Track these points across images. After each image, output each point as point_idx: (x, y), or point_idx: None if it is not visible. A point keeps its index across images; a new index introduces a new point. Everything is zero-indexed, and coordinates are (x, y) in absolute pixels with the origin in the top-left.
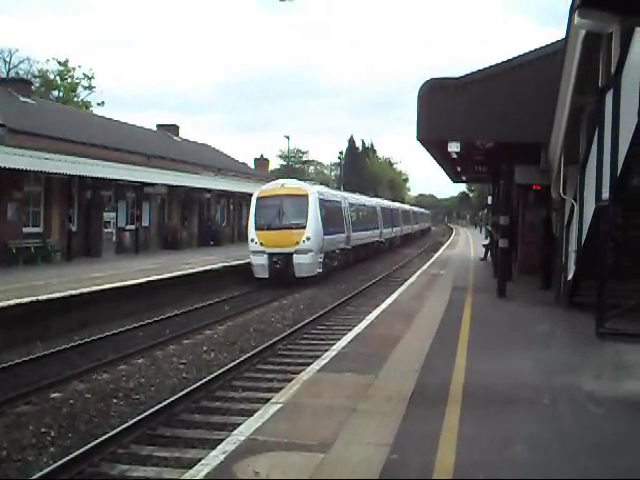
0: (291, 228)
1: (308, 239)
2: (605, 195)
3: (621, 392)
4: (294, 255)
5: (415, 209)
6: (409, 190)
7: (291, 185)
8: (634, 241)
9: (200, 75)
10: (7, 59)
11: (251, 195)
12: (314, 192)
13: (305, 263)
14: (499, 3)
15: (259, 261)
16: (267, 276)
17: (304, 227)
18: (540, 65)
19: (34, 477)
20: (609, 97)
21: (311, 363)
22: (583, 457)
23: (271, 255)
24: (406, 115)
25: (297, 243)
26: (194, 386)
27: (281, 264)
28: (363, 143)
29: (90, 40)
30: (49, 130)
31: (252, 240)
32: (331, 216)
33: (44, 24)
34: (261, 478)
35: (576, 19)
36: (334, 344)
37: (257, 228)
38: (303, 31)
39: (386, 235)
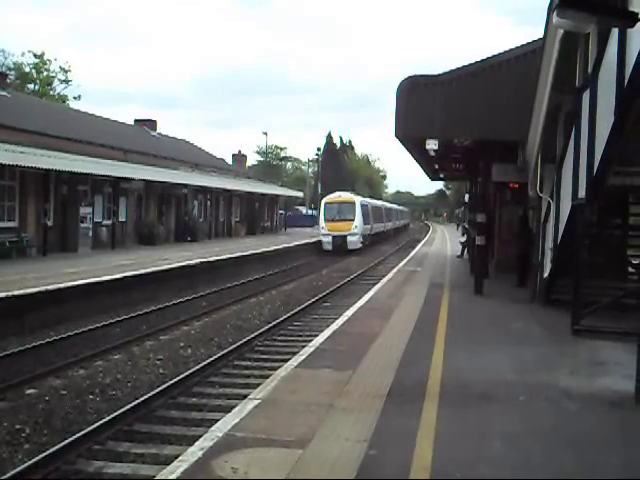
0: (345, 220)
1: (355, 227)
2: (581, 194)
3: (596, 388)
4: (347, 236)
5: (400, 208)
6: (386, 187)
7: (345, 195)
8: (609, 239)
9: (177, 71)
10: None
11: (227, 190)
12: (358, 200)
13: (354, 241)
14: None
15: (326, 239)
16: (331, 248)
17: (353, 220)
18: (518, 64)
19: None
20: (586, 96)
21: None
22: (559, 452)
23: (334, 237)
24: (384, 112)
25: (349, 229)
26: (171, 382)
27: (339, 242)
28: (341, 140)
29: (66, 34)
30: (24, 123)
31: (322, 228)
32: (365, 214)
33: (19, 16)
34: (239, 474)
35: (554, 19)
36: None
37: (325, 220)
38: (279, 27)
39: (387, 227)
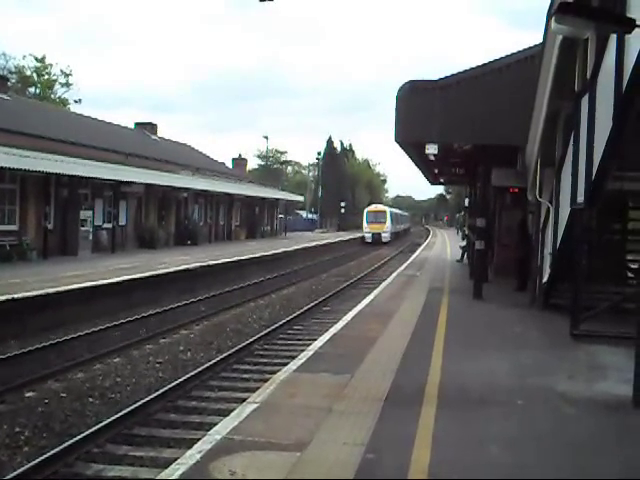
0: (380, 223)
1: (387, 227)
2: (580, 198)
3: (594, 393)
4: (382, 233)
5: (405, 213)
6: (387, 191)
7: (380, 206)
8: (608, 244)
9: (176, 75)
10: None
11: (228, 194)
12: (389, 209)
13: (386, 236)
14: (477, 3)
15: (368, 235)
16: (371, 241)
17: (385, 223)
18: (518, 69)
19: (7, 477)
20: (585, 101)
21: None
22: (556, 456)
23: (373, 233)
24: (385, 116)
25: (383, 229)
26: (170, 385)
27: (376, 237)
28: (342, 144)
29: (67, 38)
30: (25, 127)
31: (365, 228)
32: (392, 218)
33: (19, 19)
34: (237, 477)
35: (553, 24)
36: None
37: (367, 222)
38: (274, 31)
39: (401, 228)
